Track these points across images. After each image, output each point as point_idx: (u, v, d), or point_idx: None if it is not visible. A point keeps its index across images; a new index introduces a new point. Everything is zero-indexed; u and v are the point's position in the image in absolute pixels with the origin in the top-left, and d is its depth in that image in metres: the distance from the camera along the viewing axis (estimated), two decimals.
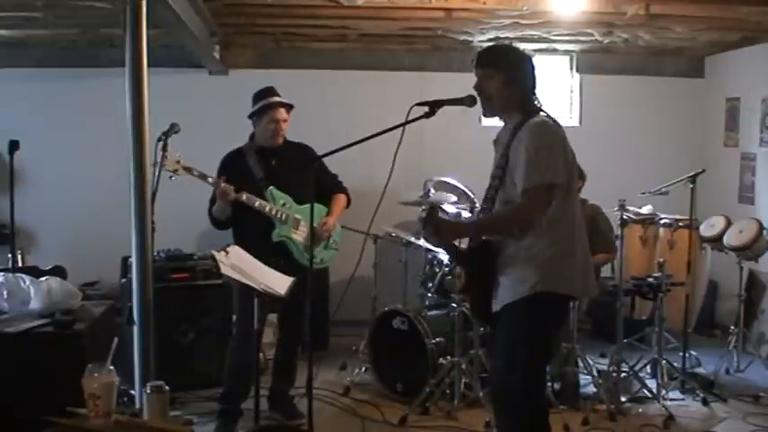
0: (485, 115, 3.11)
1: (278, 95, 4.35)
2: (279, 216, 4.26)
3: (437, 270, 5.15)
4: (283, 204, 4.30)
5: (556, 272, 2.93)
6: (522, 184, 2.87)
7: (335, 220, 4.45)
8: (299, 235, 4.32)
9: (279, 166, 4.34)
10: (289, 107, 4.35)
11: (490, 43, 6.48)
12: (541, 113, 3.02)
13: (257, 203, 4.19)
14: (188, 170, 4.04)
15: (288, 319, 4.46)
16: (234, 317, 4.40)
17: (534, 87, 3.06)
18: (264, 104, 4.29)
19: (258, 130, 4.34)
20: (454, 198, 5.60)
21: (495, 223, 3.05)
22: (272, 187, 4.28)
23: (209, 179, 4.12)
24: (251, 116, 4.32)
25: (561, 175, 2.91)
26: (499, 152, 3.05)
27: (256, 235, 4.18)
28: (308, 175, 3.61)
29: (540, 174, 2.86)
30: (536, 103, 3.05)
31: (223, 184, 4.11)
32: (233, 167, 4.32)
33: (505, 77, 2.99)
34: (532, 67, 3.07)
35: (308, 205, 4.24)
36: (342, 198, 4.51)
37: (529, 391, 3.00)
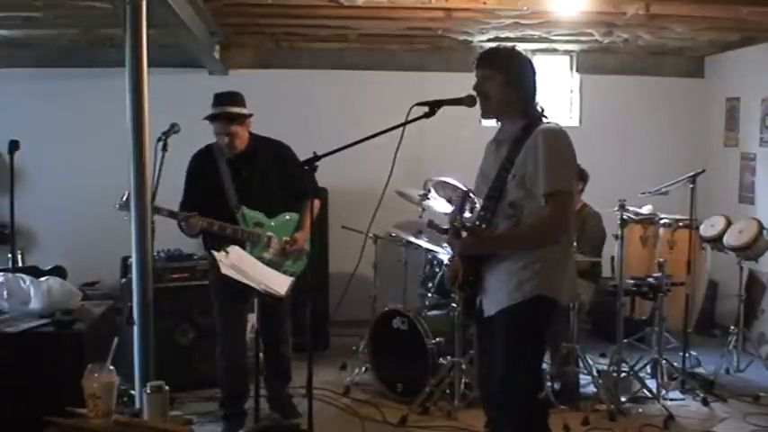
0: (483, 116, 3.10)
1: (226, 104, 4.18)
2: (250, 239, 4.21)
3: (437, 270, 5.15)
4: (255, 224, 4.24)
5: (551, 277, 2.96)
6: (543, 188, 2.86)
7: (305, 235, 4.31)
8: (270, 252, 4.25)
9: (249, 175, 4.25)
10: (233, 117, 4.14)
11: (490, 43, 6.50)
12: (546, 119, 3.01)
13: (228, 231, 4.14)
14: (156, 210, 3.88)
15: (265, 322, 4.39)
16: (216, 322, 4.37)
17: (535, 92, 3.05)
18: (209, 116, 4.20)
19: None
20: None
21: (523, 237, 2.98)
22: (243, 208, 4.22)
23: (179, 216, 4.05)
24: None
25: (574, 185, 2.99)
26: (502, 154, 3.02)
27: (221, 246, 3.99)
28: (308, 177, 3.55)
29: (561, 180, 2.88)
30: (537, 108, 3.04)
31: (192, 220, 4.05)
32: (201, 172, 4.27)
33: (504, 78, 2.99)
34: (533, 72, 3.06)
35: (280, 218, 4.28)
36: (314, 206, 4.35)
37: (532, 392, 3.03)
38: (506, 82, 2.99)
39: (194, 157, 4.34)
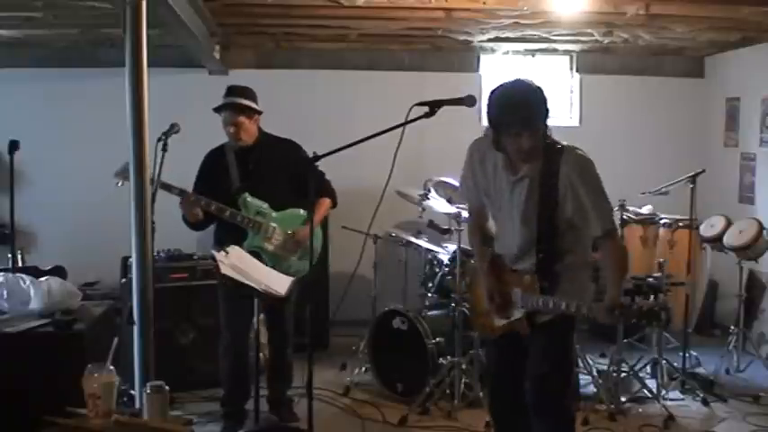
0: (525, 161, 3.04)
1: (235, 95, 4.20)
2: (250, 226, 4.17)
3: (437, 270, 5.14)
4: (257, 213, 4.20)
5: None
6: (600, 226, 3.01)
7: (308, 230, 4.29)
8: (272, 244, 4.20)
9: (256, 168, 4.24)
10: (241, 108, 4.16)
11: (491, 43, 6.51)
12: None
13: (227, 213, 4.12)
14: (168, 188, 3.95)
15: (272, 323, 4.41)
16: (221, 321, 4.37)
17: None
18: (218, 106, 4.24)
19: None
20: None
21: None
22: (245, 194, 4.19)
23: (174, 190, 4.05)
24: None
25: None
26: (537, 180, 3.02)
27: (231, 241, 4.01)
28: (308, 178, 3.55)
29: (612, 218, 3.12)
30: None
31: (191, 197, 4.06)
32: (211, 167, 4.30)
33: (544, 126, 3.02)
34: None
35: (286, 211, 4.25)
36: (324, 203, 4.31)
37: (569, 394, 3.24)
38: (545, 128, 3.02)
39: (207, 153, 4.37)
